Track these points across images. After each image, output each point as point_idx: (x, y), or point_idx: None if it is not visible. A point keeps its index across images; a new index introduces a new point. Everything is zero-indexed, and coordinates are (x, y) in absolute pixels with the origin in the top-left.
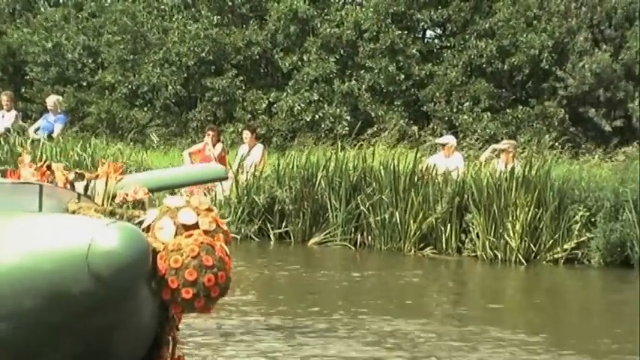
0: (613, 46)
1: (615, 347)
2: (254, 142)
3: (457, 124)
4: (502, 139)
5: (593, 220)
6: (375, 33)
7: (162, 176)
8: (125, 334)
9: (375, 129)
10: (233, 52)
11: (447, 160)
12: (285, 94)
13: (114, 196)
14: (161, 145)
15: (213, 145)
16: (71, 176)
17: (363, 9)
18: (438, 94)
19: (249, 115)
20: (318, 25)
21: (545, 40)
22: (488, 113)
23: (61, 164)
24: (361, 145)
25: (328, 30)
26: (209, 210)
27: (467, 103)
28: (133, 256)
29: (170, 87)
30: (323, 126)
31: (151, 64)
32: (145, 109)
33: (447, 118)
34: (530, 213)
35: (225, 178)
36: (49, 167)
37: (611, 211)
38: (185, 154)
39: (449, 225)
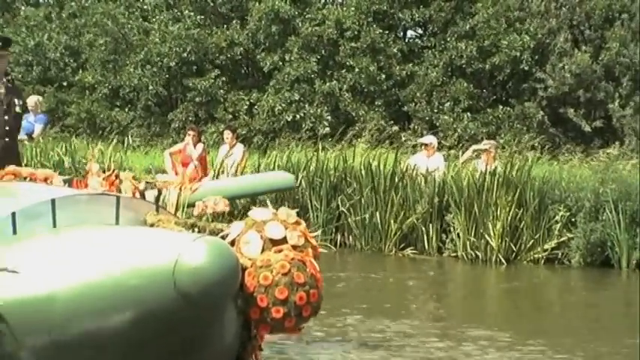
0: (593, 46)
1: (590, 346)
2: (235, 142)
3: (438, 124)
4: (482, 139)
5: (573, 220)
6: (356, 32)
7: (232, 185)
8: (208, 353)
9: (357, 129)
10: (215, 53)
11: (427, 160)
12: (266, 94)
13: (187, 206)
14: (142, 146)
15: (194, 145)
16: (141, 186)
17: (345, 8)
18: (418, 94)
19: (231, 116)
20: (299, 25)
21: (526, 42)
22: (469, 113)
23: (130, 173)
24: (342, 145)
25: (309, 29)
26: (297, 223)
27: (447, 103)
28: (221, 274)
29: (151, 87)
30: (304, 126)
31: (133, 65)
32: (127, 109)
33: (427, 118)
34: (510, 213)
35: (294, 188)
36: (117, 176)
37: (592, 212)
38: (166, 154)
39: (430, 225)
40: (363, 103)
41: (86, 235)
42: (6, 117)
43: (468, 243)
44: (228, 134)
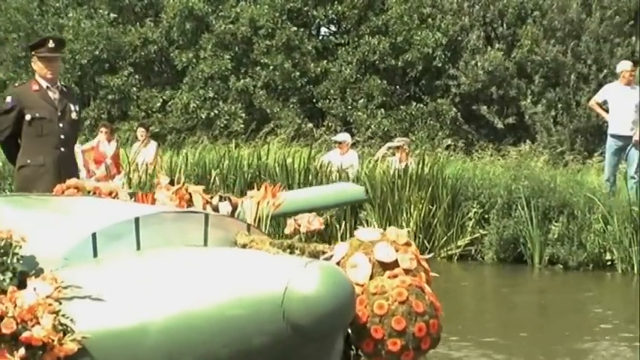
0: (505, 44)
1: (501, 341)
2: (148, 140)
3: (351, 120)
4: (396, 135)
5: (486, 216)
6: (270, 29)
7: (302, 198)
8: None
9: (272, 126)
10: (129, 51)
11: (341, 157)
12: (179, 91)
13: (258, 220)
14: None
15: (108, 143)
16: (215, 200)
17: (258, 5)
18: (332, 91)
19: (144, 113)
20: (213, 22)
21: (439, 38)
22: (382, 110)
23: (200, 187)
24: (256, 142)
25: (223, 27)
26: (407, 244)
27: (361, 100)
28: (336, 303)
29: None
30: (218, 123)
31: None
32: None
33: (341, 115)
34: (423, 210)
35: (366, 200)
36: (186, 189)
37: (504, 208)
38: (78, 151)
39: (343, 222)
40: (277, 100)
41: (175, 258)
42: (61, 124)
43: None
44: (141, 132)
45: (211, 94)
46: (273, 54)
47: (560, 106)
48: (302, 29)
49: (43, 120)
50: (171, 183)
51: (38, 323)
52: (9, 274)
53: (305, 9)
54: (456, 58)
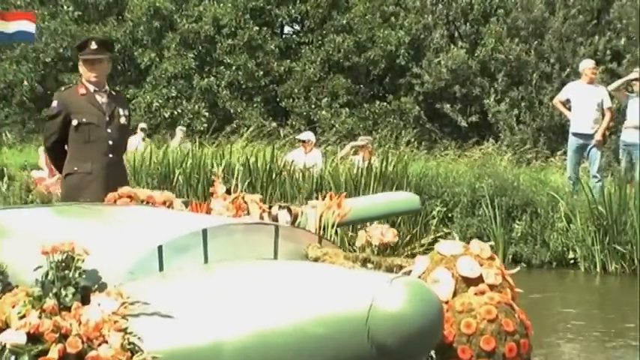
0: (469, 42)
1: None
2: None
3: (315, 119)
4: (360, 134)
5: (450, 215)
6: (233, 29)
7: (358, 207)
8: None
9: (235, 125)
10: None
11: (305, 156)
12: (143, 90)
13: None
14: (17, 143)
15: None
16: (274, 210)
17: (222, 4)
18: (296, 90)
19: None
20: (177, 21)
21: (402, 37)
22: (347, 109)
23: (257, 195)
24: (220, 141)
25: (187, 26)
26: (492, 258)
27: (325, 99)
28: (424, 322)
29: (26, 83)
30: (182, 122)
31: (8, 61)
32: (1, 105)
33: (305, 114)
34: None
35: (420, 209)
36: (242, 198)
37: (468, 207)
38: (41, 151)
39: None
40: (241, 99)
41: (246, 272)
42: (109, 130)
43: (345, 238)
44: None
45: (174, 93)
46: (237, 53)
47: (523, 104)
48: (265, 28)
49: (90, 125)
50: (228, 192)
51: (105, 342)
52: (71, 289)
53: (268, 8)
54: (419, 56)
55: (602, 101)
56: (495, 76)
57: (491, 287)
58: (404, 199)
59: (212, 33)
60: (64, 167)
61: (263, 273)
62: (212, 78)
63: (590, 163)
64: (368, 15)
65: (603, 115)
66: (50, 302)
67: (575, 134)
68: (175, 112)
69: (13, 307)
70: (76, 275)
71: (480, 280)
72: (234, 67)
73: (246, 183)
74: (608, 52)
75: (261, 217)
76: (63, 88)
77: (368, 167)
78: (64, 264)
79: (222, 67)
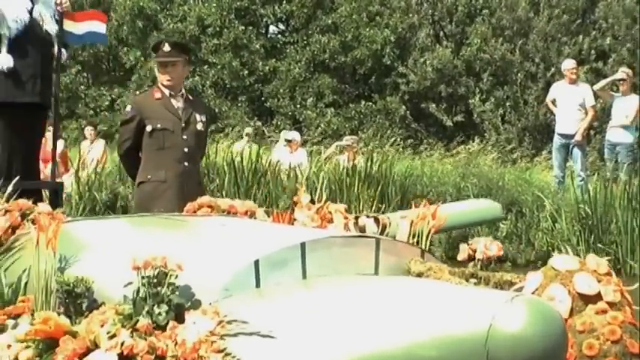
0: (454, 42)
1: None
2: (95, 138)
3: (301, 119)
4: (345, 134)
5: None
6: (218, 28)
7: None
8: None
9: (220, 125)
10: (77, 49)
11: (291, 155)
12: (128, 89)
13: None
14: None
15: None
16: (362, 220)
17: (206, 4)
18: (281, 90)
19: (92, 112)
20: (162, 21)
21: (387, 36)
22: (332, 108)
23: (341, 205)
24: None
25: (171, 25)
26: (609, 274)
27: (310, 99)
28: (547, 343)
29: None
30: None
31: None
32: None
33: (290, 114)
34: (373, 208)
35: (503, 218)
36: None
37: None
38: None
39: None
40: (226, 99)
41: (349, 289)
42: (184, 136)
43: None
44: (89, 130)
45: None
46: (221, 52)
47: (508, 104)
48: (250, 28)
49: (164, 131)
50: (312, 202)
51: None
52: (164, 307)
53: (253, 7)
54: (404, 56)
55: (584, 101)
56: (480, 76)
57: (610, 305)
58: (486, 207)
59: (197, 33)
60: (138, 175)
61: (368, 290)
62: (197, 77)
63: (573, 162)
64: (354, 15)
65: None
66: (144, 321)
67: (558, 134)
68: None
69: (102, 326)
70: (169, 292)
71: (598, 297)
72: (219, 67)
73: (232, 183)
74: (593, 51)
75: (346, 228)
76: (138, 92)
77: (353, 167)
78: (155, 280)
79: (206, 67)
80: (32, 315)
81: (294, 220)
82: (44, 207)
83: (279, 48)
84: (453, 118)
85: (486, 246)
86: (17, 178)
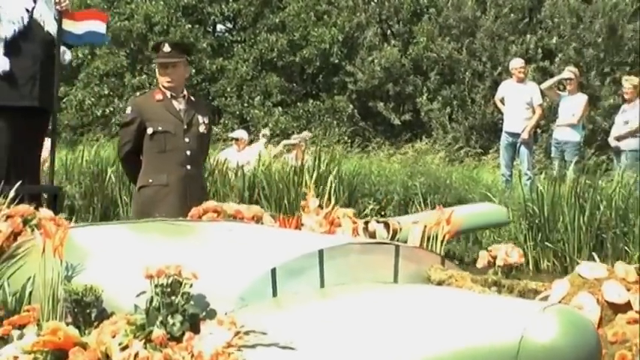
0: (401, 41)
1: None
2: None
3: (248, 118)
4: (294, 133)
5: (383, 213)
6: (165, 26)
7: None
8: None
9: None
10: None
11: (238, 154)
12: (74, 88)
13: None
14: None
15: None
16: (372, 225)
17: (154, 2)
18: (229, 89)
19: None
20: (109, 19)
21: (335, 35)
22: (280, 108)
23: (350, 210)
24: None
25: (118, 24)
26: (637, 282)
27: (258, 98)
28: (580, 355)
29: None
30: (114, 120)
31: None
32: None
33: (238, 113)
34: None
35: (508, 223)
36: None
37: (401, 205)
38: None
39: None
40: None
41: (369, 298)
42: (186, 139)
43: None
44: None
45: (107, 91)
46: None
47: (455, 103)
48: (197, 26)
49: (166, 134)
50: (319, 206)
51: None
52: (179, 318)
53: (200, 6)
54: (352, 54)
55: (531, 99)
56: (428, 75)
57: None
58: (491, 211)
59: (144, 31)
60: (139, 180)
61: (390, 299)
62: (144, 76)
63: (520, 161)
64: (302, 14)
65: (534, 113)
66: (159, 332)
67: (506, 132)
68: (107, 111)
69: (114, 336)
70: (184, 302)
71: (627, 306)
72: None
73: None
74: (540, 50)
75: (355, 233)
76: (138, 93)
77: (300, 166)
78: (169, 289)
79: (154, 65)
80: (38, 325)
81: (302, 225)
82: (46, 212)
83: (226, 47)
84: (400, 116)
85: (507, 252)
86: (19, 183)
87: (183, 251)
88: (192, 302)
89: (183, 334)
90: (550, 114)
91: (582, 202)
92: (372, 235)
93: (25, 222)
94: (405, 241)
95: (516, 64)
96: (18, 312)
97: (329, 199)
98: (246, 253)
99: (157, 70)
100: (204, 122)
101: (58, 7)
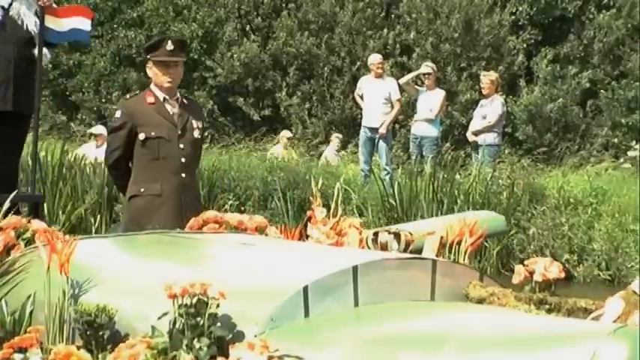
0: (261, 36)
1: None
2: None
3: (106, 114)
4: None
5: (243, 208)
6: None
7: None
8: None
9: None
10: None
11: (97, 150)
12: None
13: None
14: None
15: None
16: (384, 236)
17: None
18: (86, 84)
19: None
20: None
21: (194, 30)
22: None
23: (357, 220)
24: None
25: None
26: None
27: (116, 93)
28: None
29: None
30: None
31: None
32: None
33: (95, 108)
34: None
35: (505, 232)
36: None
37: (260, 200)
38: None
39: (99, 215)
40: None
41: (409, 318)
42: (181, 145)
43: None
44: None
45: None
46: None
47: (314, 98)
48: None
49: (159, 139)
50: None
51: None
52: (205, 341)
53: (56, 0)
54: (212, 49)
55: (390, 94)
56: (287, 70)
57: None
58: (488, 219)
59: None
60: (129, 189)
61: (432, 320)
62: None
63: (379, 155)
64: (160, 9)
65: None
66: (187, 357)
67: (365, 127)
68: None
69: None
70: (210, 323)
71: None
72: None
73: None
74: (398, 45)
75: (362, 245)
76: (128, 96)
77: None
78: (193, 309)
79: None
80: (42, 348)
81: (307, 236)
82: (38, 224)
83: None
84: (260, 112)
85: (546, 267)
86: None
87: (201, 267)
88: (219, 324)
89: (210, 358)
90: (408, 109)
91: (440, 196)
92: (384, 247)
93: (18, 235)
94: (420, 253)
95: (374, 59)
96: (18, 333)
97: (335, 208)
98: (274, 270)
99: (154, 69)
100: (198, 127)
101: (40, 2)
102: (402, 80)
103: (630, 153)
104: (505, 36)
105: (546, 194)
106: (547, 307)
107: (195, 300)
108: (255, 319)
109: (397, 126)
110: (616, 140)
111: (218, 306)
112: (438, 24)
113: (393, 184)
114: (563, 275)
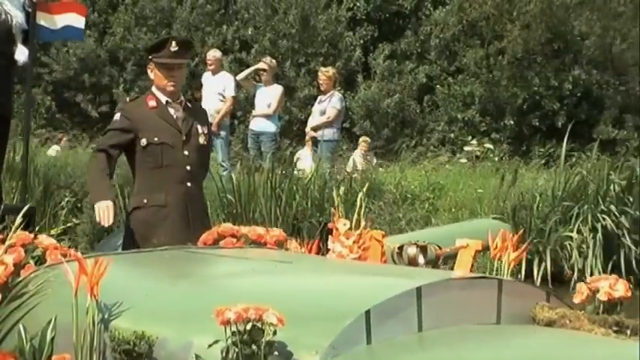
0: (97, 31)
1: None
2: None
3: None
4: None
5: (79, 205)
6: None
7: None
8: None
9: None
10: None
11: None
12: None
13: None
14: None
15: None
16: (411, 250)
17: None
18: None
19: None
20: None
21: None
22: None
23: (379, 232)
24: None
25: None
26: None
27: None
28: None
29: None
30: None
31: None
32: None
33: None
34: (15, 199)
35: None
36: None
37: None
38: None
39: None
40: None
41: (481, 346)
42: (185, 152)
43: None
44: None
45: None
46: None
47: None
48: None
49: (163, 146)
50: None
51: None
52: None
53: None
54: (47, 45)
55: (224, 90)
56: (124, 66)
57: None
58: (495, 227)
59: None
60: (131, 200)
61: (502, 347)
62: None
63: (216, 152)
64: None
65: None
66: None
67: None
68: None
69: None
70: (266, 351)
71: None
72: None
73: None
74: (237, 41)
75: (384, 258)
76: (128, 99)
77: None
78: (246, 336)
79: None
80: None
81: (328, 250)
82: (47, 240)
83: None
84: (97, 108)
85: (611, 286)
86: None
87: (247, 290)
88: (276, 352)
89: None
90: (247, 105)
91: (278, 192)
92: (413, 262)
93: (26, 252)
94: (451, 268)
95: (208, 56)
96: None
97: (358, 220)
98: (330, 292)
99: (156, 71)
100: (203, 132)
101: None
102: (240, 76)
103: (466, 148)
104: (342, 32)
105: (383, 189)
106: (627, 330)
107: (249, 326)
108: (314, 347)
109: (236, 122)
110: (452, 135)
111: (275, 333)
112: (276, 20)
113: (232, 181)
114: (629, 294)
